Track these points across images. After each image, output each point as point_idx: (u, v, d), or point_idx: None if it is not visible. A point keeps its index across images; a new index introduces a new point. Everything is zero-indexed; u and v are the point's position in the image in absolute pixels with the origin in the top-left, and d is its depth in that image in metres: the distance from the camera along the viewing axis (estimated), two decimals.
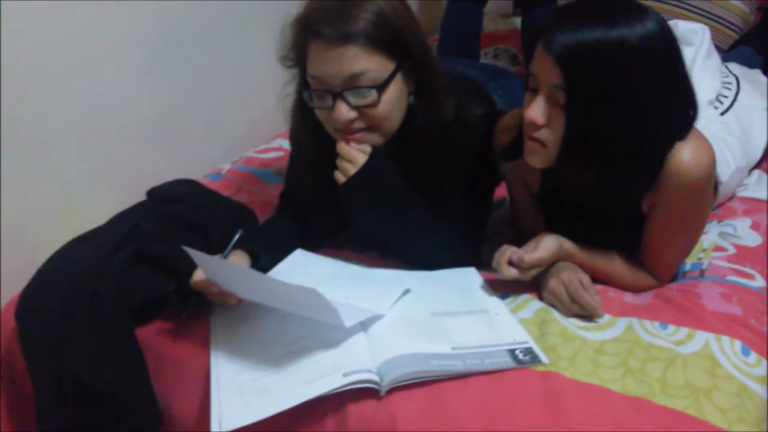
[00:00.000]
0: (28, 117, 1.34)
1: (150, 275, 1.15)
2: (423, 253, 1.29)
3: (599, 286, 1.20)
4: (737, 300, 1.16)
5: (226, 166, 1.71)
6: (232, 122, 1.82)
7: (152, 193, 1.35)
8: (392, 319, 1.10)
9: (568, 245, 1.18)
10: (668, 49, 1.02)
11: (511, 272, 1.14)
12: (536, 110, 1.05)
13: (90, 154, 1.47)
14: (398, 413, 0.97)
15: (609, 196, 1.15)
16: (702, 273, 1.27)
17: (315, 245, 1.35)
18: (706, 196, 1.14)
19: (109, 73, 1.49)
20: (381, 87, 1.12)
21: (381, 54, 1.11)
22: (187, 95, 1.70)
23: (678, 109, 1.06)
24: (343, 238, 1.37)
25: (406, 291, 1.17)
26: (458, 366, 1.00)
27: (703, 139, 1.11)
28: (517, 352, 1.03)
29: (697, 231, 1.21)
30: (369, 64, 1.10)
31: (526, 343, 1.06)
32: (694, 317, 1.11)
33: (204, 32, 1.71)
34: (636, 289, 1.22)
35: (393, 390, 0.98)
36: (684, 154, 1.08)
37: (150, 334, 1.16)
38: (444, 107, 1.23)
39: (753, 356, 1.04)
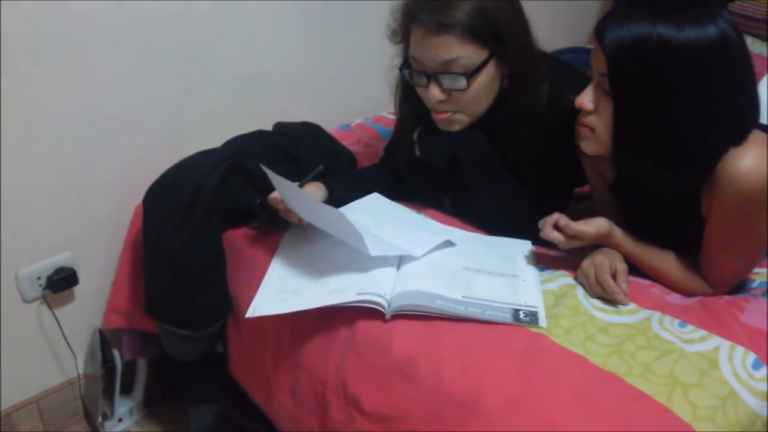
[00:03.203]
0: (200, 52, 1.64)
1: (242, 187, 1.38)
2: (498, 223, 1.38)
3: (647, 281, 1.22)
4: None
5: (357, 120, 1.92)
6: (372, 85, 2.01)
7: (275, 126, 1.59)
8: (425, 263, 1.23)
9: (618, 234, 1.20)
10: (726, 55, 1.01)
11: (554, 234, 1.18)
12: (584, 96, 1.11)
13: (241, 89, 1.75)
14: (395, 336, 1.10)
15: (660, 189, 1.16)
16: (766, 292, 1.22)
17: (409, 200, 1.50)
18: (765, 206, 1.11)
19: (270, 30, 1.76)
20: (471, 74, 1.22)
21: (475, 43, 1.21)
22: (337, 55, 1.92)
23: (732, 114, 1.05)
24: (434, 201, 1.50)
25: (448, 243, 1.27)
26: (459, 310, 1.10)
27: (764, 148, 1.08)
28: (521, 312, 1.11)
29: (756, 244, 1.16)
30: (462, 51, 1.20)
31: (534, 307, 1.12)
32: (721, 325, 1.09)
33: None
34: (687, 293, 1.21)
35: (398, 317, 1.12)
36: (744, 161, 1.06)
37: (236, 237, 1.41)
38: (537, 92, 1.30)
39: (763, 371, 1.01)
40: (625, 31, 1.03)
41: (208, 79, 1.69)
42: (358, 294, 1.13)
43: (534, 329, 1.08)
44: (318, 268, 1.23)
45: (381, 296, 1.13)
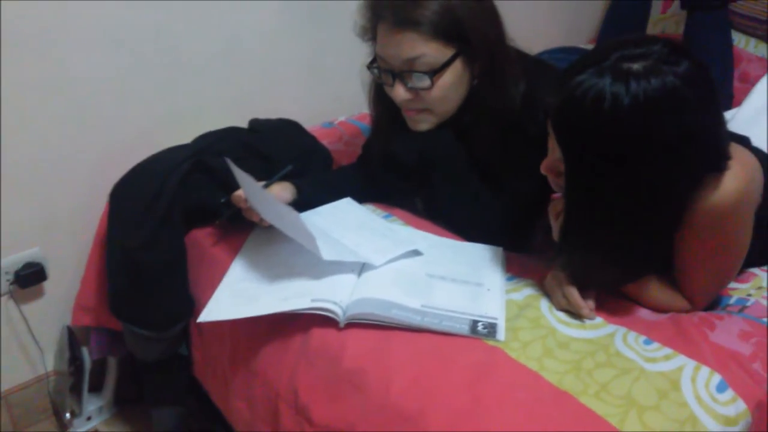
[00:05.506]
0: (179, 46, 1.61)
1: (206, 185, 1.35)
2: (469, 226, 1.34)
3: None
4: (755, 342, 1.06)
5: (340, 118, 1.87)
6: (358, 82, 1.98)
7: (250, 122, 1.56)
8: (387, 269, 1.19)
9: None
10: (679, 104, 0.93)
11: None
12: (545, 163, 1.09)
13: (221, 85, 1.71)
14: (348, 345, 1.07)
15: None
16: (742, 309, 1.17)
17: (383, 200, 1.46)
18: (737, 221, 1.06)
19: (253, 24, 1.73)
20: (434, 72, 1.19)
21: (439, 41, 1.18)
22: (321, 51, 1.87)
23: (696, 165, 0.99)
24: (408, 202, 1.46)
25: (415, 252, 1.23)
26: (415, 320, 1.06)
27: (736, 163, 1.02)
28: (479, 324, 1.07)
29: (732, 257, 1.11)
30: (425, 49, 1.17)
31: (494, 319, 1.08)
32: (688, 344, 1.05)
33: None
34: (666, 310, 1.16)
35: (352, 325, 1.08)
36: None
37: (201, 235, 1.38)
38: (510, 92, 1.26)
39: (728, 395, 0.96)
40: (570, 92, 0.96)
41: (186, 74, 1.65)
42: (313, 301, 1.09)
43: (491, 342, 1.04)
44: (277, 273, 1.19)
45: (336, 303, 1.09)
